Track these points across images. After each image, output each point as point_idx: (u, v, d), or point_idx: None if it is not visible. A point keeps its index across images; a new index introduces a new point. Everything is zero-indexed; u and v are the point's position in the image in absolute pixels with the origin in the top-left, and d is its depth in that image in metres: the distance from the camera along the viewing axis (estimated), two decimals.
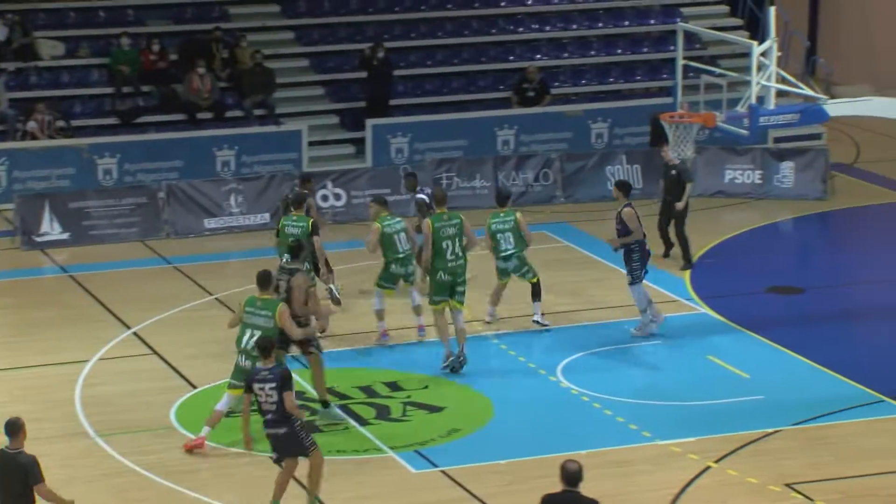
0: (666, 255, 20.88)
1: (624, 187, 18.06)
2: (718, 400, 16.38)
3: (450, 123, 25.75)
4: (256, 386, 13.47)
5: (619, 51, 28.07)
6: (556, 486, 10.92)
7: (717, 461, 14.88)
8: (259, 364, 13.73)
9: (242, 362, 15.06)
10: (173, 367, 17.48)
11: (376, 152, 25.42)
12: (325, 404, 16.10)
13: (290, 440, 13.49)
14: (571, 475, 10.76)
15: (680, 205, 20.63)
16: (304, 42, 27.12)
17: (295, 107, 26.14)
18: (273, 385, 13.38)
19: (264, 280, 15.10)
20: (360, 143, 25.75)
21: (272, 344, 13.73)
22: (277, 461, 13.71)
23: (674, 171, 20.82)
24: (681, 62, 19.10)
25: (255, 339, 14.69)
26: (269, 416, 13.48)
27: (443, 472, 14.74)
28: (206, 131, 24.97)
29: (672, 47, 25.49)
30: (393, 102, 26.26)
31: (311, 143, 25.34)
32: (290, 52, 27.00)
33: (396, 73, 26.29)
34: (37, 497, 11.54)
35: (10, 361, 17.71)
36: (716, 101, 19.39)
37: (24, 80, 25.53)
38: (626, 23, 28.34)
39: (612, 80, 27.70)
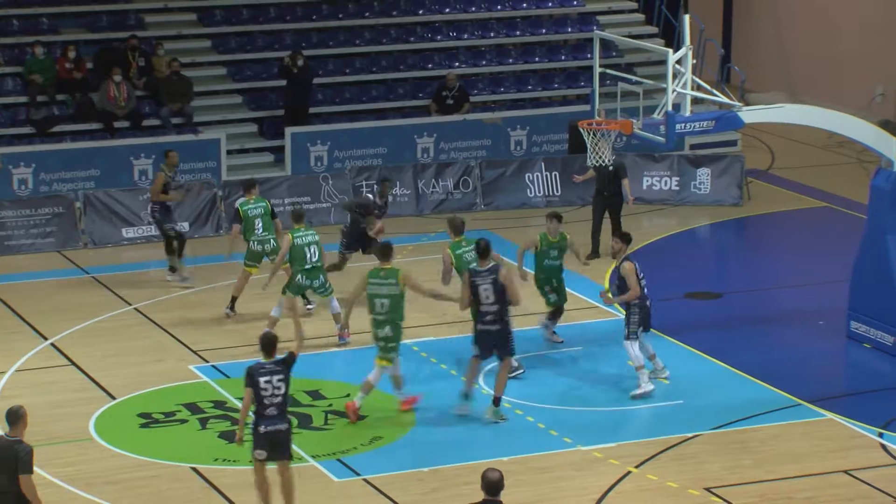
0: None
1: (625, 238, 16.89)
2: (638, 405, 16.50)
3: (369, 131, 25.73)
4: (262, 380, 13.28)
5: (537, 59, 28.21)
6: (479, 494, 10.94)
7: (637, 466, 14.98)
8: (262, 359, 13.50)
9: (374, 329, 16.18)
10: (92, 378, 17.31)
11: (295, 161, 25.33)
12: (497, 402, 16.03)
13: (286, 440, 13.40)
14: (492, 484, 10.77)
15: (631, 198, 21.64)
16: (221, 50, 26.96)
17: (213, 115, 25.98)
18: (281, 377, 13.28)
19: (386, 252, 16.29)
20: (279, 151, 25.65)
21: (275, 339, 13.52)
22: (264, 460, 13.43)
23: (611, 167, 21.15)
24: (597, 70, 19.16)
25: (385, 307, 15.86)
26: (270, 411, 13.26)
27: (365, 480, 14.72)
28: (123, 140, 24.74)
29: (589, 55, 25.68)
30: (312, 111, 26.19)
31: (229, 152, 25.20)
32: (208, 60, 26.84)
33: (315, 81, 26.23)
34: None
35: None
36: (633, 108, 19.48)
37: None
38: (544, 31, 28.49)
39: (530, 87, 27.83)
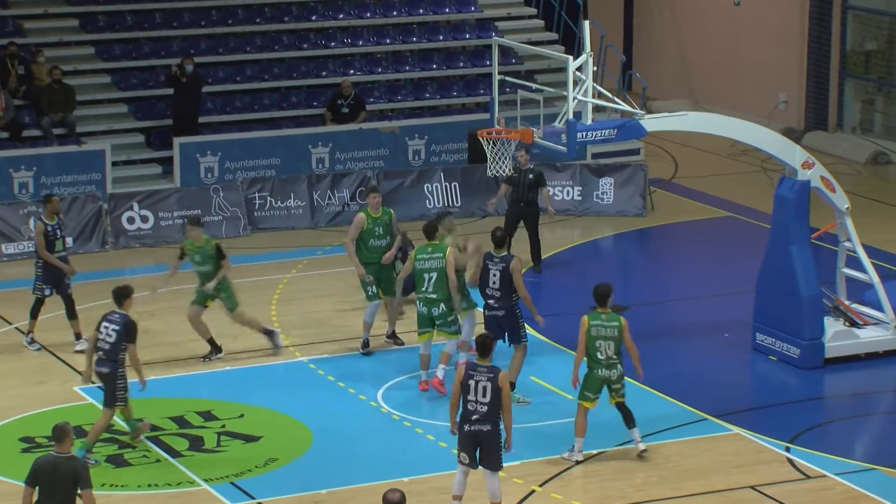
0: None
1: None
2: (542, 422, 16.58)
3: (261, 141, 25.62)
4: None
5: (435, 66, 28.29)
6: None
7: (541, 485, 15.06)
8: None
9: (420, 308, 17.27)
10: None
11: (185, 172, 25.13)
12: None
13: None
14: None
15: (551, 209, 22.05)
16: (105, 57, 26.70)
17: (97, 125, 25.71)
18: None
19: (431, 230, 17.59)
20: (167, 162, 25.44)
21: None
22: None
23: (531, 176, 21.65)
24: (497, 77, 19.25)
25: (433, 281, 17.05)
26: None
27: None
28: (2, 152, 24.38)
29: (488, 62, 25.79)
30: (202, 120, 26.01)
31: (115, 164, 24.95)
32: (91, 67, 26.56)
33: (205, 89, 26.06)
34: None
35: None
36: (533, 116, 19.58)
37: None
38: (441, 37, 28.58)
39: (428, 95, 27.88)
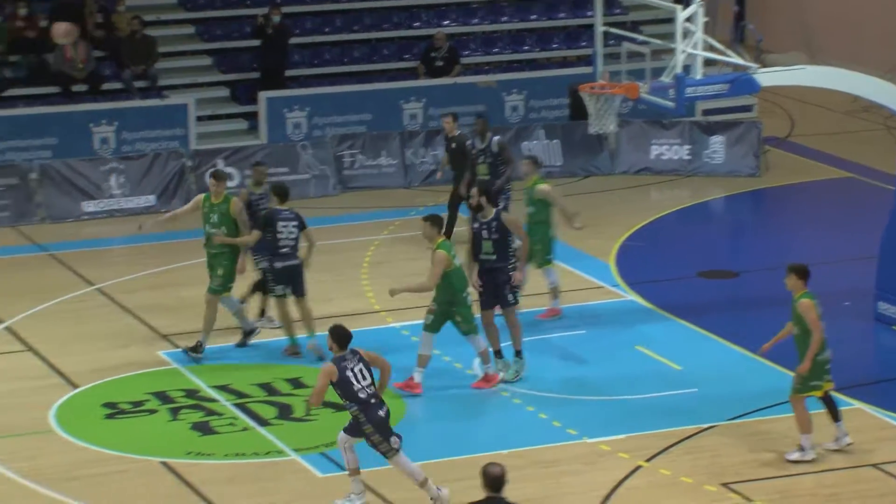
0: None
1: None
2: (649, 394, 16.54)
3: (351, 96, 25.71)
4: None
5: (534, 17, 28.18)
6: (477, 489, 10.95)
7: (648, 460, 15.04)
8: None
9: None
10: (51, 365, 17.32)
11: (271, 128, 25.31)
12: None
13: None
14: (495, 480, 10.73)
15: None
16: (188, 7, 26.89)
17: (180, 78, 25.94)
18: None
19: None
20: (253, 117, 25.61)
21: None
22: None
23: (454, 145, 21.10)
24: (600, 29, 19.17)
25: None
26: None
27: None
28: (82, 105, 24.69)
29: (590, 13, 25.64)
30: (289, 73, 26.14)
31: (199, 118, 25.16)
32: (174, 17, 26.77)
33: (292, 41, 26.18)
34: None
35: None
36: (639, 70, 19.48)
37: None
38: None
39: (526, 47, 27.81)
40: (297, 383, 16.85)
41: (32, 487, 14.34)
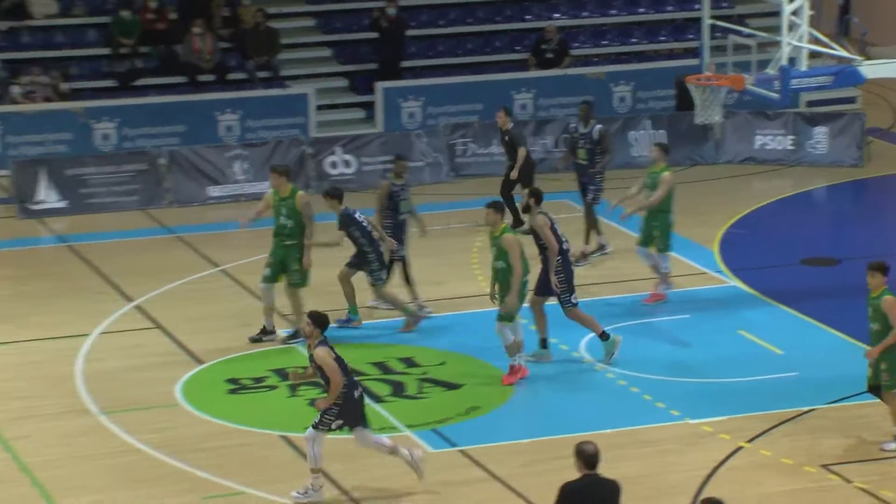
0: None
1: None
2: (750, 377, 16.43)
3: (464, 86, 25.76)
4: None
5: (642, 10, 28.04)
6: (573, 467, 10.89)
7: (749, 441, 14.95)
8: None
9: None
10: (178, 342, 17.56)
11: (387, 117, 25.45)
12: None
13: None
14: (590, 458, 10.58)
15: (514, 174, 20.69)
16: (310, 0, 27.10)
17: (301, 69, 26.16)
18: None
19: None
20: (370, 107, 25.76)
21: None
22: None
23: (507, 137, 21.00)
24: (707, 21, 19.05)
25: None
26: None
27: (462, 451, 14.81)
28: (209, 94, 24.99)
29: (697, 6, 25.48)
30: (404, 64, 26.25)
31: (318, 107, 25.37)
32: (296, 10, 27.00)
33: (408, 33, 26.28)
34: None
35: (6, 336, 17.80)
36: (745, 62, 19.36)
37: (15, 39, 25.56)
38: None
39: (634, 40, 27.68)
40: (409, 362, 16.96)
41: (161, 458, 14.58)
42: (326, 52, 26.61)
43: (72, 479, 14.03)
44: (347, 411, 13.57)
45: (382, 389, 16.23)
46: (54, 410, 15.60)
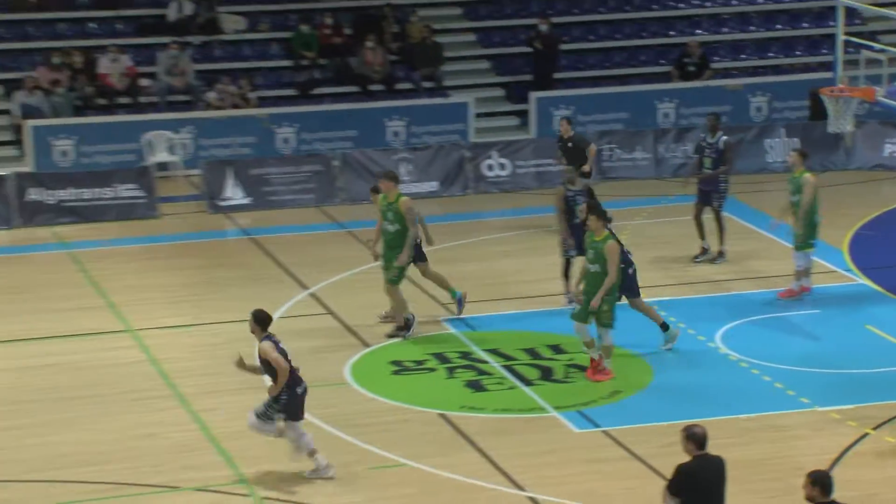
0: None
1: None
2: (878, 368, 16.07)
3: (611, 96, 25.62)
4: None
5: (779, 26, 27.60)
6: (713, 448, 10.77)
7: (875, 428, 14.62)
8: None
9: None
10: (348, 327, 17.72)
11: (540, 124, 25.42)
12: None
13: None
14: (702, 440, 10.64)
15: (587, 167, 20.34)
16: (471, 17, 27.19)
17: (462, 80, 26.25)
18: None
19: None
20: (524, 115, 25.75)
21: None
22: None
23: (570, 144, 20.59)
24: (841, 37, 18.68)
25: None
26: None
27: (604, 432, 14.73)
28: (378, 102, 25.21)
29: (832, 22, 24.96)
30: (557, 76, 26.19)
31: (477, 115, 25.43)
32: (459, 27, 27.10)
33: (560, 47, 26.20)
34: None
35: (194, 317, 18.15)
36: (876, 76, 18.94)
37: (208, 53, 26.07)
38: None
39: (771, 55, 27.26)
40: (557, 349, 16.91)
41: (331, 431, 14.74)
42: (485, 65, 26.66)
43: (252, 449, 14.24)
44: (290, 406, 13.42)
45: (532, 374, 16.21)
46: (237, 386, 15.84)
